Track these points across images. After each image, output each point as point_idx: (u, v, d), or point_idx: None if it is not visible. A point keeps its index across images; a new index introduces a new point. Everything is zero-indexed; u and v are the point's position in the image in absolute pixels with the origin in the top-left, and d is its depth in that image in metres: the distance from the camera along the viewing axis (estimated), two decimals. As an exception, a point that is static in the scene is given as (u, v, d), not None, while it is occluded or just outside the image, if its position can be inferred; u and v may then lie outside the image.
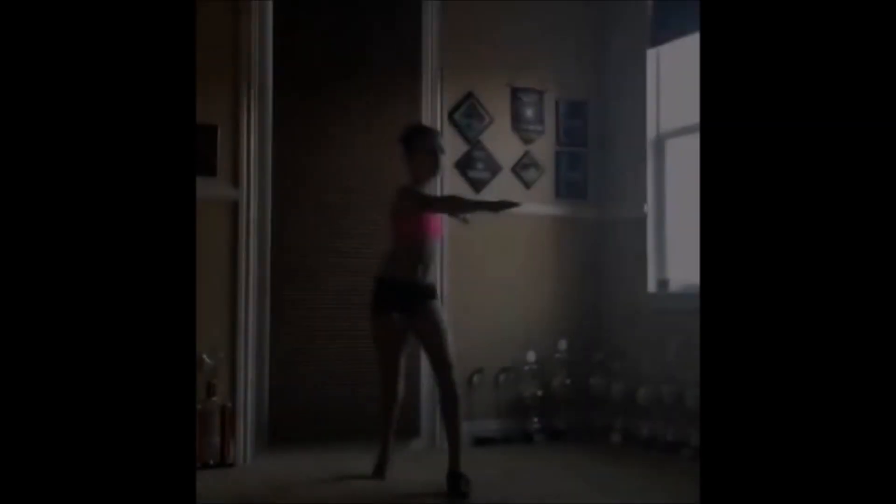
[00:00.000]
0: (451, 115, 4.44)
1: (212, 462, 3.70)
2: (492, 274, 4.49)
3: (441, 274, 4.20)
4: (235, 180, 3.93)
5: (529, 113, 4.67)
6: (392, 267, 3.44)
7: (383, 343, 3.47)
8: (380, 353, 3.50)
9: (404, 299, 3.40)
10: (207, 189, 3.71)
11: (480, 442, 4.28)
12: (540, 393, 4.46)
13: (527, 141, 4.65)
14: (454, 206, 3.59)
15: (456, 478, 3.30)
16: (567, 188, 4.75)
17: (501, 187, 4.46)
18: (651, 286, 4.46)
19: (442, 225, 3.59)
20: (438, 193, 4.13)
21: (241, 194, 3.92)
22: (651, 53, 4.55)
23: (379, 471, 3.55)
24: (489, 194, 4.39)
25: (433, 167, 3.52)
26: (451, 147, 4.27)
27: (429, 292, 3.46)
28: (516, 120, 4.64)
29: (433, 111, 4.35)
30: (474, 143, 4.50)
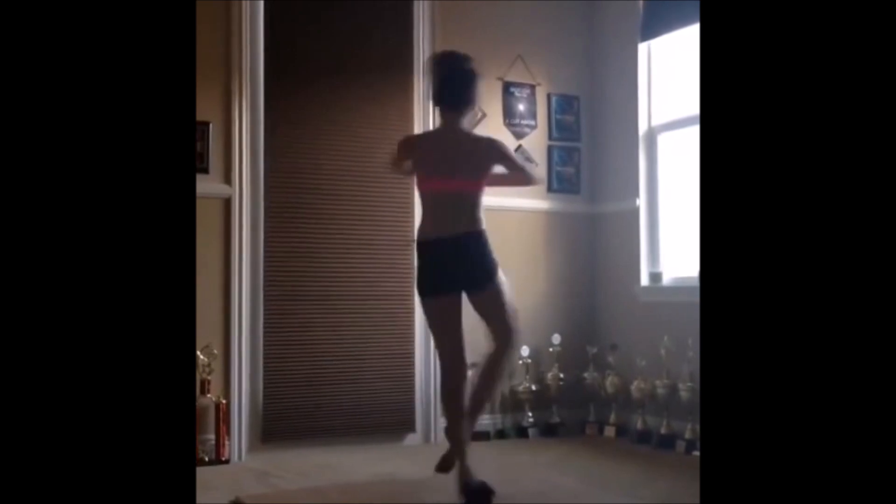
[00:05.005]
0: (443, 110, 4.43)
1: (206, 459, 3.70)
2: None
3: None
4: (228, 177, 3.92)
5: (521, 107, 4.67)
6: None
7: None
8: None
9: None
10: (200, 186, 3.68)
11: (474, 436, 4.22)
12: (534, 387, 4.48)
13: (519, 135, 4.64)
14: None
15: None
16: (559, 182, 4.75)
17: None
18: (644, 279, 4.48)
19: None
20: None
21: (233, 191, 3.91)
22: (643, 47, 4.56)
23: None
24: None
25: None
26: (444, 142, 4.26)
27: None
28: (508, 114, 4.64)
29: (426, 106, 4.34)
30: (467, 138, 4.50)
